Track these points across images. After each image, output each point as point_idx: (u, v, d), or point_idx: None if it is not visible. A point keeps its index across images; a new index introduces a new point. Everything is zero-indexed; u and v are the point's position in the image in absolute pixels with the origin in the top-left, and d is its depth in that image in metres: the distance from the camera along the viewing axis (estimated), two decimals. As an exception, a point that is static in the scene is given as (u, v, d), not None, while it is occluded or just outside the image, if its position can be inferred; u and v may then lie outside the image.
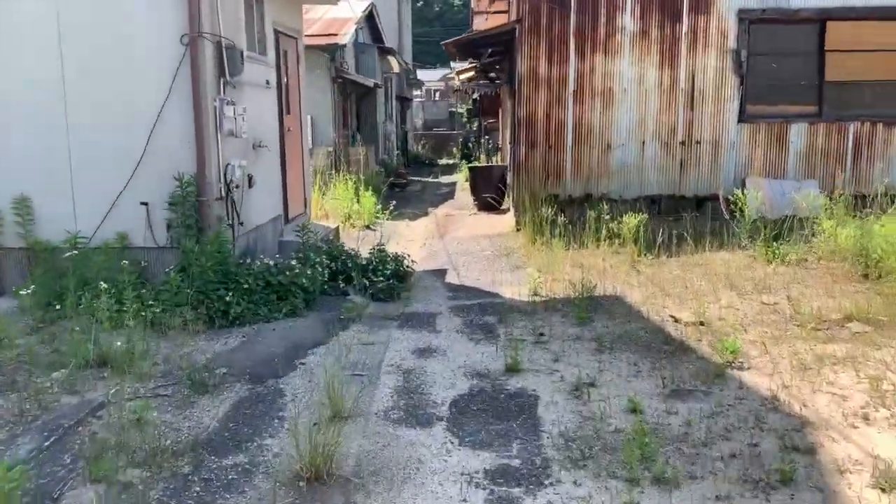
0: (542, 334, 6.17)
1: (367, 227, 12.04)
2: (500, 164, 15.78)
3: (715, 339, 5.82)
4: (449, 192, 18.45)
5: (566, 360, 5.53)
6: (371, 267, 7.95)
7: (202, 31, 6.63)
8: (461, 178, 21.13)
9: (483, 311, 7.05)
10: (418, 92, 40.53)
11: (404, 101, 27.06)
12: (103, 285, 5.97)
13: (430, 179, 22.24)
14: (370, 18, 19.25)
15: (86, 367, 5.20)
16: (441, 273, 8.89)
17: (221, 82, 6.94)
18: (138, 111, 6.77)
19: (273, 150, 8.76)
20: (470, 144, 25.30)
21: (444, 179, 21.99)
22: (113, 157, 6.85)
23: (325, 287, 7.50)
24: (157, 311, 6.18)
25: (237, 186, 7.14)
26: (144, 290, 6.39)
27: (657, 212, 11.11)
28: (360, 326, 6.55)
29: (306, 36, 14.96)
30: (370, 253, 8.46)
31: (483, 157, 22.32)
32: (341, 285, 7.65)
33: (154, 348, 5.67)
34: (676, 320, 6.49)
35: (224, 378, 5.15)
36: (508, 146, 13.82)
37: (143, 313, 6.16)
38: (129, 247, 6.90)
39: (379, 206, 13.49)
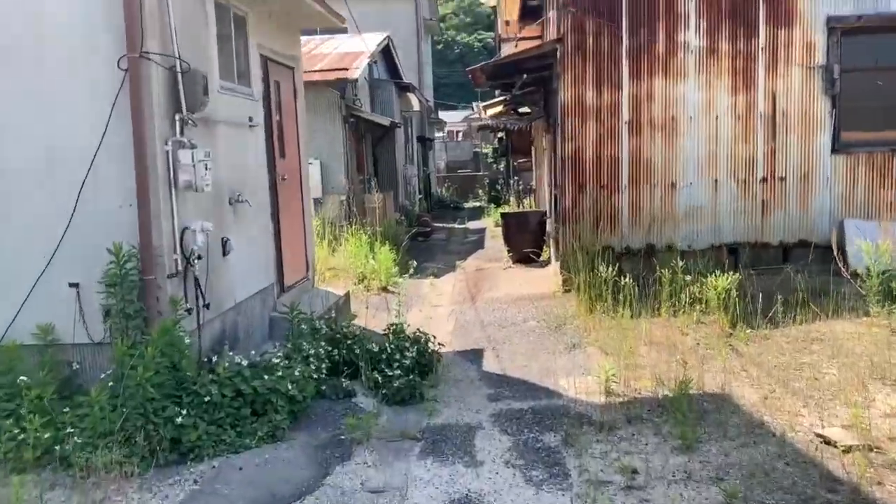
0: (634, 471, 4.16)
1: (385, 288, 10.15)
2: (535, 209, 13.88)
3: (909, 484, 3.77)
4: (478, 241, 16.56)
5: (685, 530, 3.51)
6: (385, 355, 6.02)
7: (146, 50, 4.87)
8: (490, 224, 19.26)
9: (539, 423, 5.05)
10: (440, 133, 39.11)
11: (426, 142, 25.43)
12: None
13: (456, 225, 20.39)
14: (386, 53, 17.69)
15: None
16: (476, 355, 6.93)
17: (177, 120, 5.15)
18: (63, 160, 4.99)
19: (260, 205, 6.94)
20: (498, 186, 23.50)
21: (472, 225, 20.13)
22: (32, 225, 5.07)
23: (323, 388, 5.58)
24: (78, 441, 4.31)
25: (200, 257, 5.30)
26: (67, 409, 4.54)
27: (735, 264, 9.09)
28: (365, 454, 4.59)
29: (313, 72, 13.36)
30: (385, 332, 6.55)
31: (513, 199, 20.48)
32: (345, 383, 5.72)
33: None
34: (827, 441, 4.44)
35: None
36: (547, 188, 11.93)
37: (56, 447, 4.30)
38: (54, 343, 5.07)
39: (399, 262, 11.63)
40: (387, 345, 6.13)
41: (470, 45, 68.55)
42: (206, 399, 4.69)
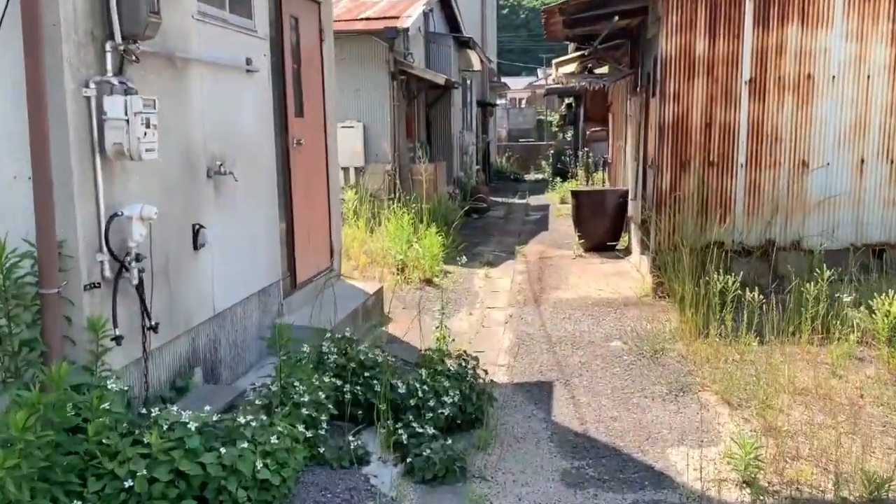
0: None
1: (429, 280, 8.35)
2: (613, 187, 11.82)
3: None
4: (541, 220, 14.59)
5: None
6: (415, 400, 4.22)
7: (51, -65, 3.10)
8: (555, 200, 17.23)
9: (648, 541, 3.20)
10: (502, 100, 36.87)
11: (486, 108, 23.36)
12: None
13: (516, 200, 18.41)
14: (445, 2, 15.66)
15: None
16: (542, 393, 5.07)
17: (109, 50, 3.40)
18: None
19: (259, 178, 5.19)
20: (564, 158, 21.35)
21: (534, 201, 18.11)
22: None
23: (320, 450, 3.82)
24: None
25: (138, 259, 3.56)
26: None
27: (882, 269, 6.96)
28: None
29: (357, 20, 11.52)
30: (422, 358, 4.76)
31: (582, 174, 18.36)
32: (353, 442, 3.94)
33: None
34: None
35: None
36: (631, 164, 9.87)
37: None
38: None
39: (449, 246, 9.81)
40: (418, 383, 4.31)
41: (537, 9, 65.44)
42: (127, 485, 2.99)
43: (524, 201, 18.17)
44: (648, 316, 6.66)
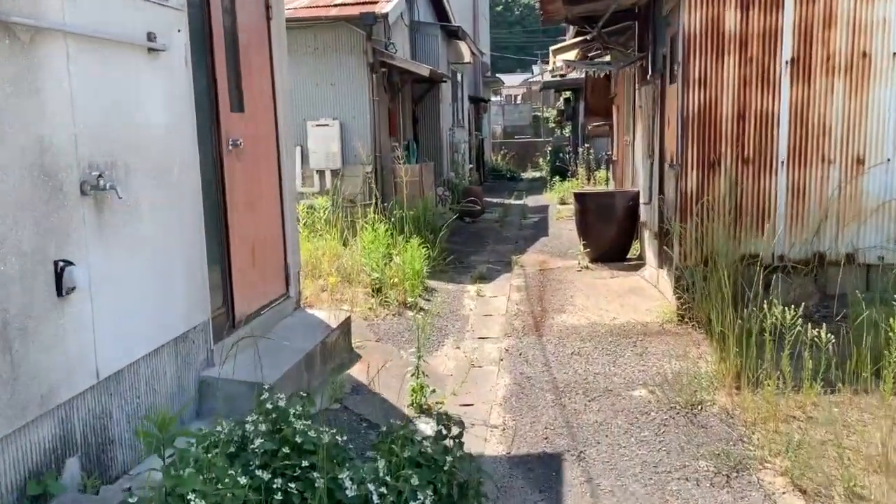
0: None
1: (410, 303, 7.12)
2: (622, 189, 10.60)
3: None
4: (539, 223, 13.37)
5: None
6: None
7: None
8: (554, 200, 16.03)
9: None
10: (497, 97, 35.64)
11: (479, 104, 22.11)
12: None
13: (512, 201, 17.18)
14: (432, -11, 14.43)
15: None
16: (549, 475, 3.82)
17: None
18: None
19: (174, 191, 3.95)
20: (563, 155, 20.11)
21: (532, 201, 16.89)
22: None
23: None
24: None
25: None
26: None
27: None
28: None
29: (330, 6, 10.29)
30: (381, 439, 3.52)
31: (582, 172, 17.13)
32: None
33: None
34: None
35: None
36: (644, 162, 8.65)
37: None
38: None
39: (435, 257, 8.59)
40: (373, 483, 3.07)
41: (531, 4, 64.19)
42: None
43: (521, 202, 16.95)
44: (676, 350, 5.44)
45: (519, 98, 42.29)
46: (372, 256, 7.26)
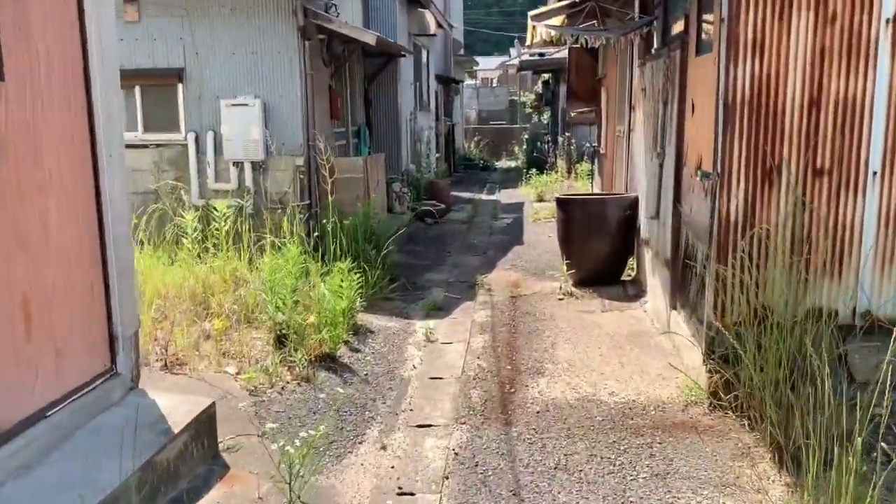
0: None
1: (330, 356, 5.08)
2: (615, 193, 8.62)
3: None
4: (513, 225, 11.38)
5: None
6: None
7: None
8: (530, 196, 14.05)
9: None
10: (472, 81, 33.49)
11: (450, 85, 19.97)
12: None
13: (483, 196, 15.18)
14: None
15: None
16: None
17: None
18: None
19: None
20: (540, 144, 18.11)
21: (504, 197, 14.89)
22: None
23: None
24: None
25: None
26: None
27: None
28: None
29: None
30: None
31: (563, 164, 15.16)
32: None
33: None
34: None
35: None
36: (647, 163, 6.66)
37: None
38: None
39: (376, 281, 6.60)
40: None
41: (510, -14, 61.81)
42: None
43: (493, 197, 14.95)
44: (718, 469, 3.48)
45: (495, 81, 40.19)
46: (277, 290, 5.18)
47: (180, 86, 8.17)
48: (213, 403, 3.74)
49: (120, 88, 3.64)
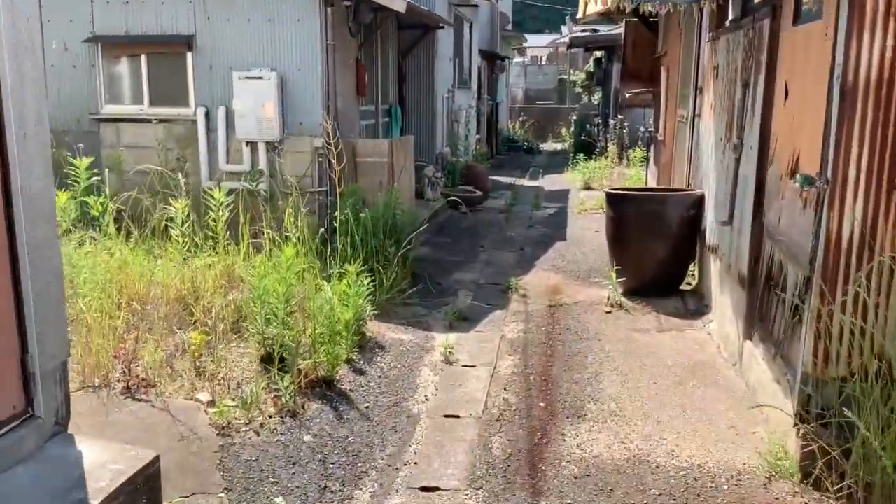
0: None
1: (328, 381, 4.25)
2: (676, 189, 7.58)
3: None
4: (556, 217, 10.40)
5: None
6: None
7: None
8: (576, 184, 13.00)
9: None
10: (521, 58, 32.19)
11: (495, 62, 18.88)
12: None
13: (525, 182, 14.18)
14: None
15: None
16: None
17: None
18: None
19: None
20: (589, 126, 16.96)
21: (548, 183, 13.87)
22: None
23: None
24: None
25: None
26: None
27: None
28: None
29: None
30: None
31: (613, 148, 14.04)
32: None
33: None
34: None
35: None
36: (722, 157, 5.62)
37: None
38: None
39: (395, 282, 5.75)
40: None
41: (562, -40, 59.76)
42: None
43: (536, 183, 13.94)
44: None
45: (544, 59, 38.77)
46: (270, 300, 4.35)
47: (189, 55, 7.38)
48: (157, 458, 2.92)
49: (40, 45, 2.80)
